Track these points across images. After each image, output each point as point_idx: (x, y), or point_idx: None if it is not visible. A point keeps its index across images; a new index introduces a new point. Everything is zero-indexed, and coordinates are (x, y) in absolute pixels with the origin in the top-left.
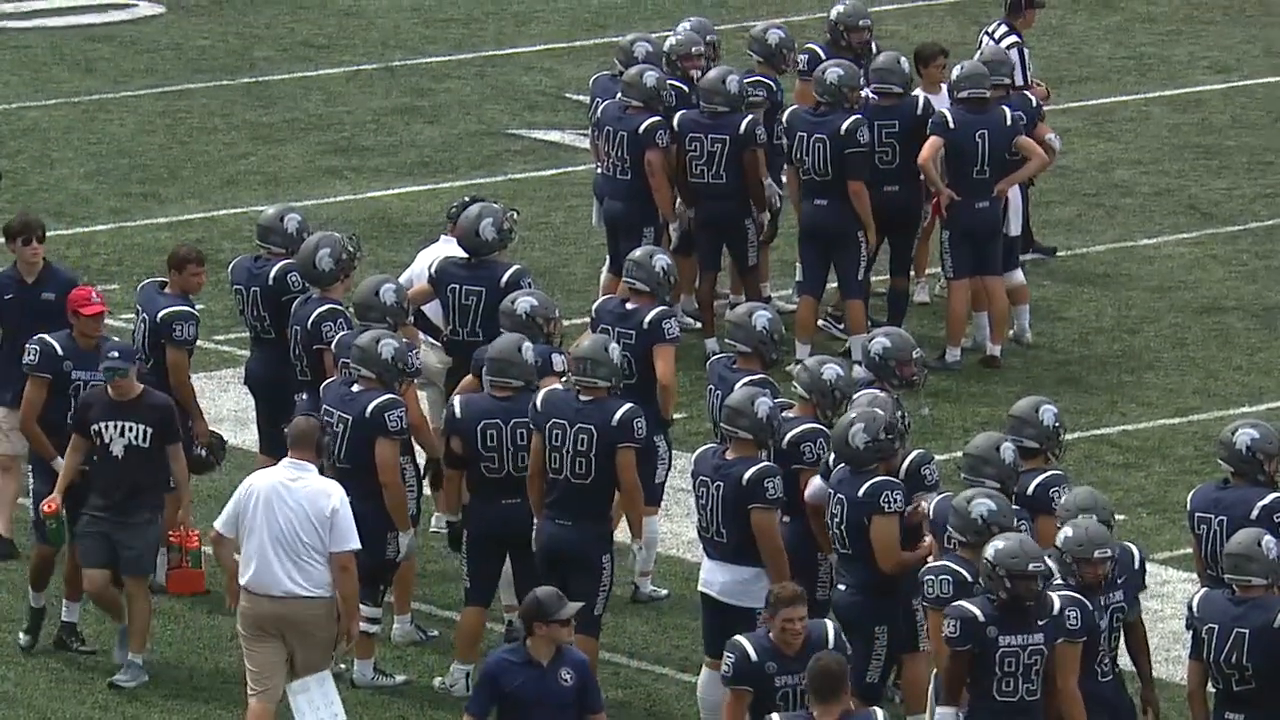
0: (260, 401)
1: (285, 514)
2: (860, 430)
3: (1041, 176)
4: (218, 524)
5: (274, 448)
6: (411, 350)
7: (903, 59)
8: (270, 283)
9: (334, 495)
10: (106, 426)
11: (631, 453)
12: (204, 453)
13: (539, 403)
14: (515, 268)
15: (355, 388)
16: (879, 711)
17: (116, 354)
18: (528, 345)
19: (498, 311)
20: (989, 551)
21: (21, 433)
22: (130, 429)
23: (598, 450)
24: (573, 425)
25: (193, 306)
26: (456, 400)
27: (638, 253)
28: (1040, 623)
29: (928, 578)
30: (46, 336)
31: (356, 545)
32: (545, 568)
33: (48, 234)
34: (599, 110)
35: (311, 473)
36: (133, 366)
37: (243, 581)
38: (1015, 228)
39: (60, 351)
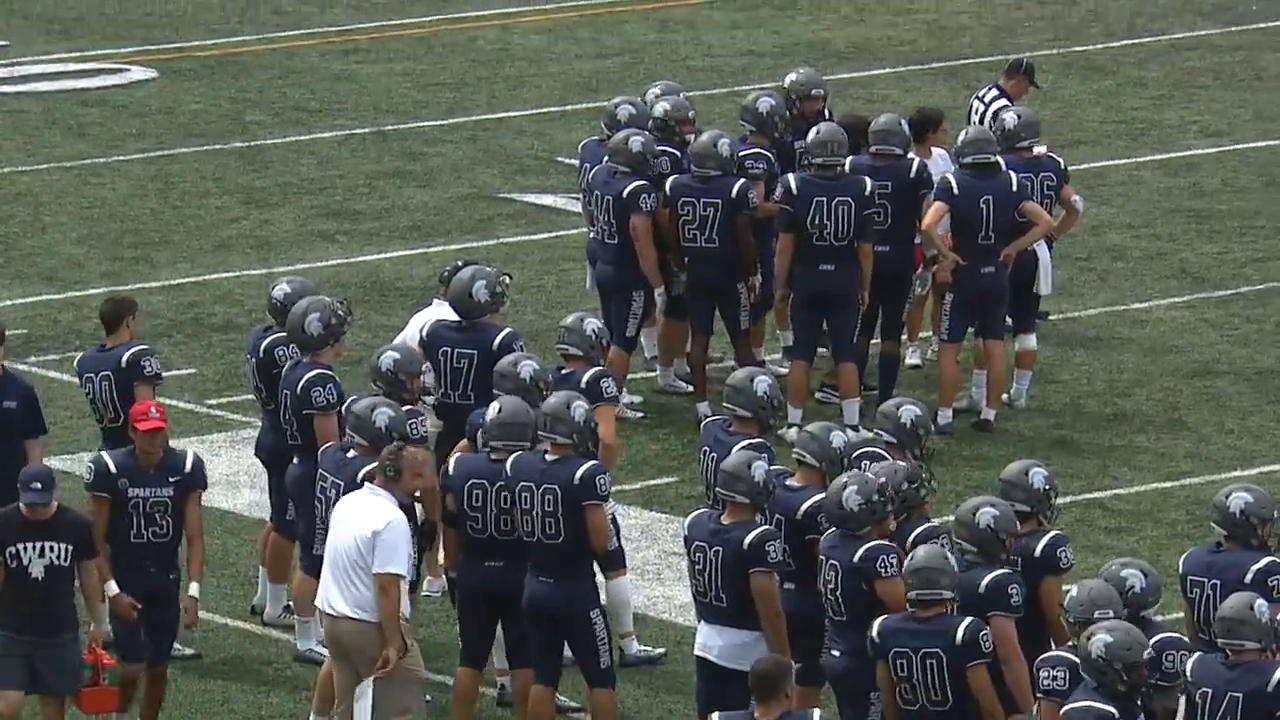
0: (271, 471)
1: (343, 535)
2: (854, 492)
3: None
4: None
5: (283, 521)
6: (416, 418)
7: (903, 121)
8: (262, 354)
9: (383, 517)
10: (25, 548)
11: (598, 510)
12: None
13: (508, 467)
14: (507, 331)
15: (350, 454)
16: (816, 712)
17: (39, 485)
18: (529, 410)
19: (490, 374)
20: (1097, 646)
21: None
22: (51, 548)
23: (564, 510)
24: (539, 486)
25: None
26: (452, 459)
27: (569, 318)
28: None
29: (1043, 671)
30: (103, 455)
31: (398, 569)
32: (533, 626)
33: (41, 297)
34: (589, 175)
35: (383, 498)
36: (53, 495)
37: (316, 601)
38: (1046, 287)
39: (114, 469)
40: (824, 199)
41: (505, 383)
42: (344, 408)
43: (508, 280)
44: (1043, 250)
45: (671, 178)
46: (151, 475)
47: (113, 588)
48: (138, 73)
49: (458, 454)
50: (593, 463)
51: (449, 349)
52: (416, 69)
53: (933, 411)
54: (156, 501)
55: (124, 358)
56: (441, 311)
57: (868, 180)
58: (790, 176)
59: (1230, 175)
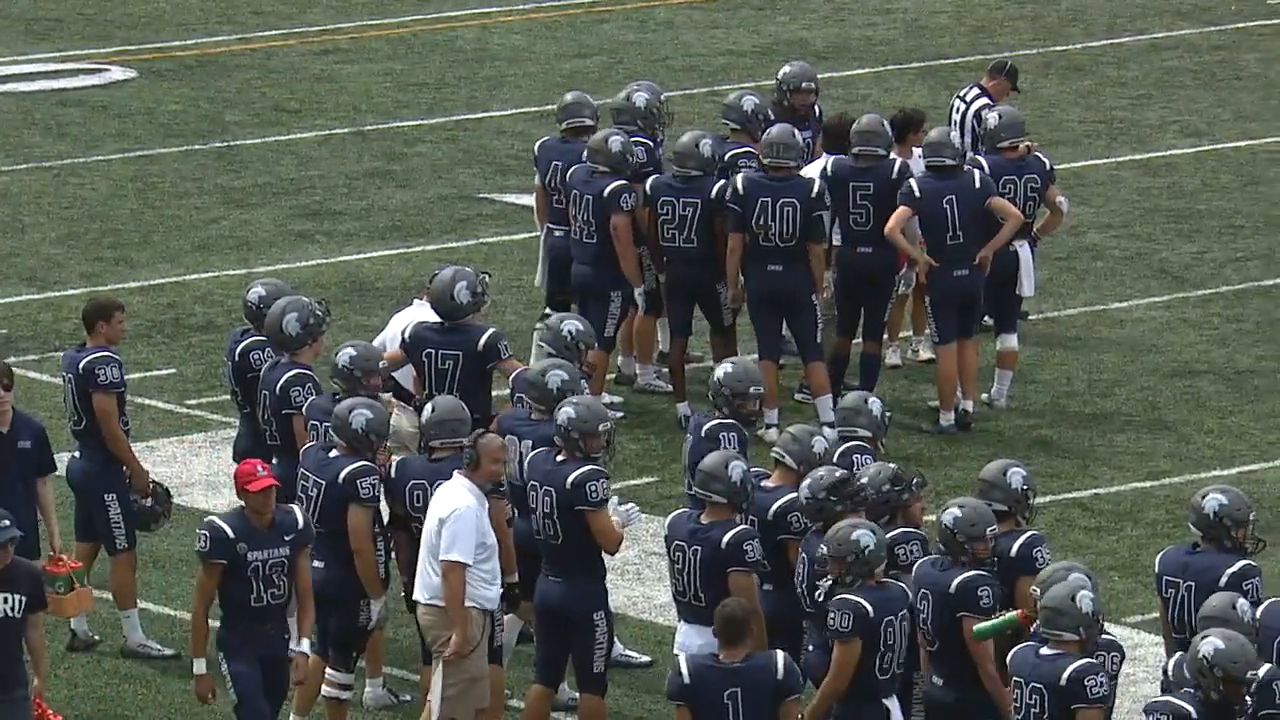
0: None
1: (427, 524)
2: (804, 486)
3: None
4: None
5: None
6: (370, 475)
7: (885, 122)
8: (237, 358)
9: (450, 505)
10: None
11: (593, 515)
12: (149, 502)
13: (527, 464)
14: (491, 331)
15: (332, 453)
16: (780, 654)
17: (7, 522)
18: (462, 404)
19: (475, 374)
20: (1206, 648)
21: (196, 620)
22: (5, 600)
23: (559, 512)
24: (542, 487)
25: (117, 354)
26: (393, 460)
27: (551, 319)
28: None
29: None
30: (216, 520)
31: (459, 556)
32: (540, 624)
33: (20, 298)
34: (567, 174)
35: (462, 487)
36: (12, 542)
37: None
38: (1028, 288)
39: (231, 534)
40: (769, 199)
41: (547, 334)
42: (307, 406)
43: (487, 280)
44: (1024, 251)
45: (651, 177)
46: (268, 536)
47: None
48: (117, 73)
49: (400, 455)
50: (587, 468)
51: (433, 350)
52: (396, 69)
53: (926, 412)
54: (275, 563)
55: (81, 362)
56: (422, 312)
57: (816, 181)
58: (738, 177)
59: (1209, 175)
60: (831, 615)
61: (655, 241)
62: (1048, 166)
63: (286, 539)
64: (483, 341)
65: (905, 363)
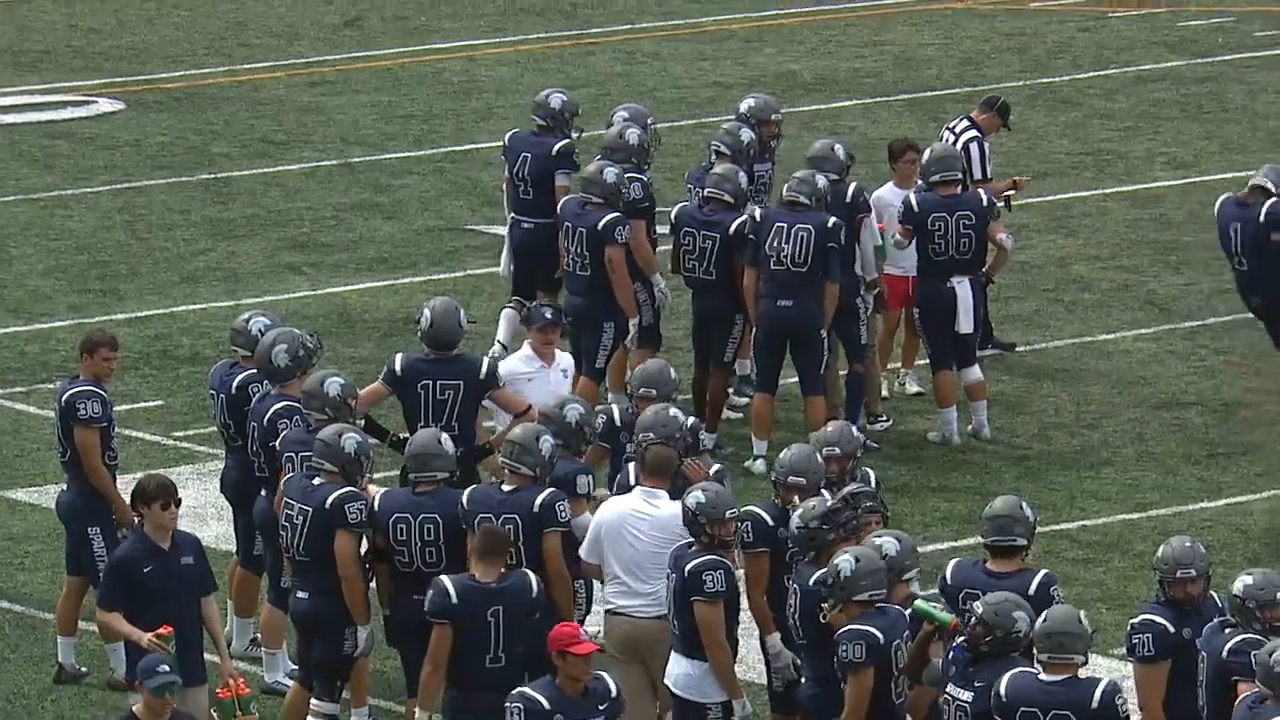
0: (237, 509)
1: (634, 540)
2: (795, 516)
3: (1001, 272)
4: (582, 551)
5: (249, 557)
6: (357, 500)
7: (838, 145)
8: (234, 391)
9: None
10: None
11: (557, 537)
12: None
13: (464, 500)
14: (489, 358)
15: (317, 480)
16: (532, 574)
17: (165, 667)
18: (445, 436)
19: (474, 404)
20: (1238, 586)
21: None
22: None
23: (525, 538)
24: (498, 517)
25: (100, 389)
26: (377, 494)
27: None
28: None
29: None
30: (529, 690)
31: None
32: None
33: (8, 330)
34: (560, 207)
35: (663, 499)
36: (171, 691)
37: (607, 605)
38: (966, 325)
39: (547, 705)
40: (785, 225)
41: (550, 422)
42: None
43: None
44: (963, 288)
45: (677, 206)
46: (582, 705)
47: None
48: (105, 105)
49: (383, 489)
50: (552, 490)
51: (430, 381)
52: (383, 101)
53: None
54: None
55: (64, 396)
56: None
57: (830, 217)
58: (756, 208)
59: (1196, 207)
60: (842, 647)
61: (677, 271)
62: (985, 203)
63: (601, 708)
64: (484, 369)
65: (893, 395)
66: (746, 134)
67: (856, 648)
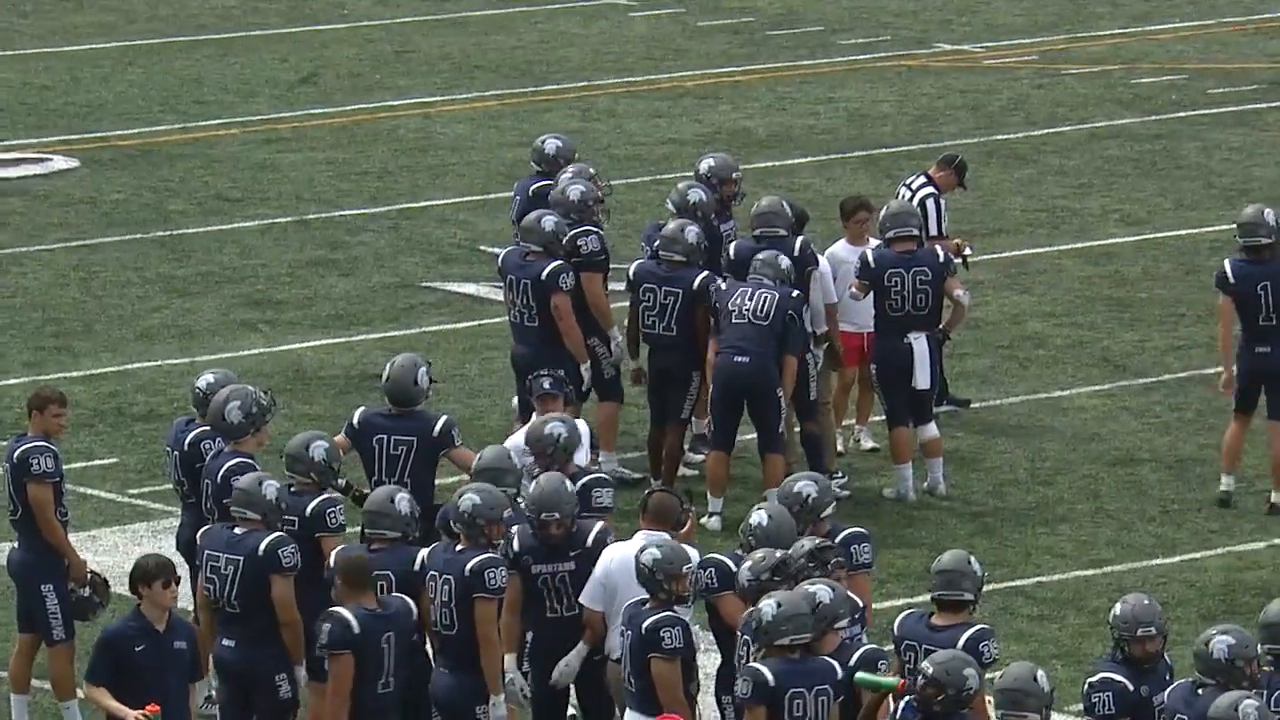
0: (193, 568)
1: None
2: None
3: (957, 328)
4: (583, 598)
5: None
6: (334, 505)
7: (785, 202)
8: (186, 448)
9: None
10: None
11: (487, 604)
12: (87, 592)
13: (423, 558)
14: (445, 418)
15: (238, 530)
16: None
17: None
18: (401, 496)
19: (432, 463)
20: (1221, 648)
21: None
22: None
23: (456, 600)
24: (441, 575)
25: (52, 444)
26: (332, 552)
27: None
28: None
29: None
30: None
31: None
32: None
33: None
34: (501, 258)
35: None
36: None
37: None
38: (922, 380)
39: None
40: (748, 289)
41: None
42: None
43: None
44: (919, 344)
45: (636, 263)
46: None
47: None
48: (59, 162)
49: (340, 547)
50: (487, 555)
51: (384, 436)
52: (339, 157)
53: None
54: None
55: (15, 452)
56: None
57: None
58: (719, 280)
59: (1150, 264)
60: (737, 682)
61: (635, 328)
62: (941, 259)
63: None
64: (438, 428)
65: (848, 451)
66: (695, 193)
67: (745, 684)
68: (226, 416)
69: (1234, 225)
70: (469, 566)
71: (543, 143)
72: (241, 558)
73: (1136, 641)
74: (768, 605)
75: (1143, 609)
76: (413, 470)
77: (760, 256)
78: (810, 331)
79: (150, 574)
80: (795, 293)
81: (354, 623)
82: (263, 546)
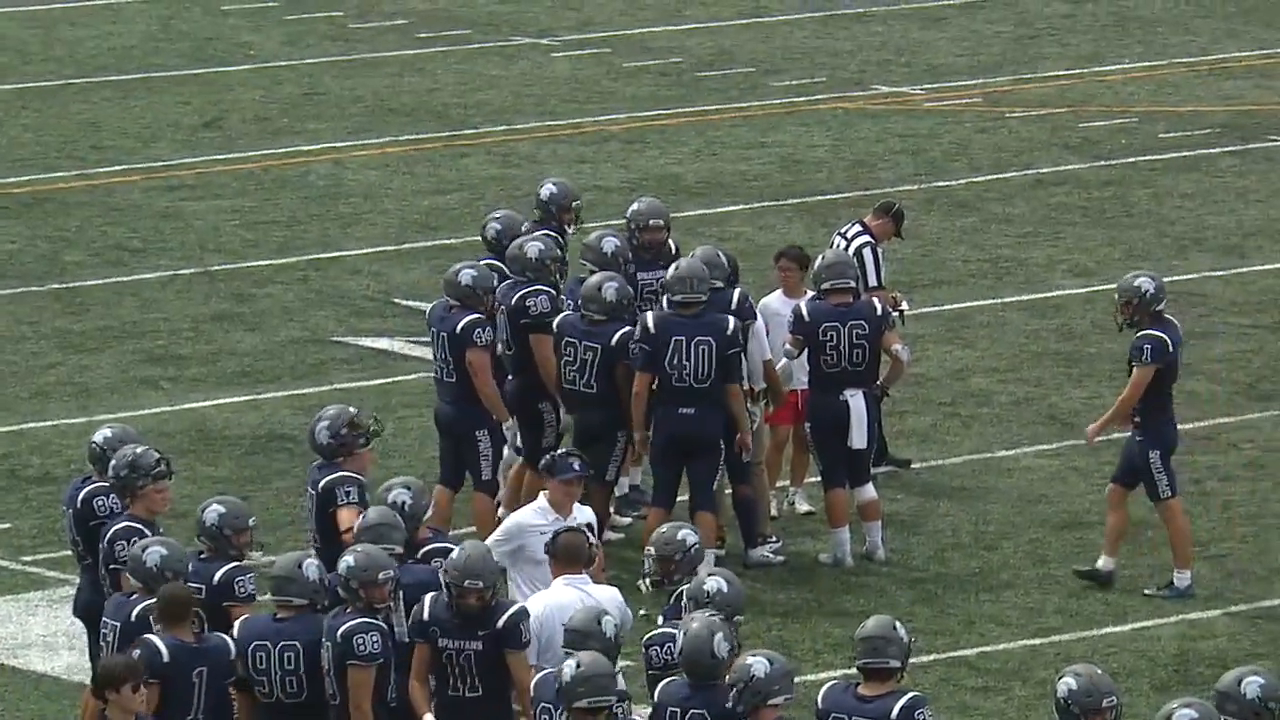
0: (91, 632)
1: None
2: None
3: (896, 384)
4: (534, 660)
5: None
6: (244, 574)
7: (721, 253)
8: (79, 505)
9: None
10: None
11: (359, 672)
12: None
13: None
14: (338, 474)
15: (133, 596)
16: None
17: None
18: (310, 561)
19: (329, 523)
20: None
21: None
22: None
23: (334, 669)
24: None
25: None
26: (237, 621)
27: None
28: None
29: None
30: None
31: None
32: None
33: None
34: (428, 311)
35: (589, 584)
36: None
37: None
38: (859, 439)
39: None
40: (683, 338)
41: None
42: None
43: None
44: (856, 401)
45: (559, 316)
46: None
47: None
48: None
49: (244, 616)
50: (363, 619)
51: (308, 489)
52: (245, 206)
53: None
54: None
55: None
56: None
57: (730, 320)
58: (648, 314)
59: (1100, 317)
60: None
61: (557, 383)
62: (879, 312)
63: None
64: (323, 484)
65: (782, 514)
66: (609, 242)
67: None
68: (114, 471)
69: (1186, 276)
70: (340, 632)
71: (539, 188)
72: (118, 623)
73: (1100, 712)
74: (568, 665)
75: (1099, 678)
76: (318, 525)
77: (681, 275)
78: (748, 389)
79: (117, 678)
80: (730, 326)
81: (164, 651)
82: (218, 576)
